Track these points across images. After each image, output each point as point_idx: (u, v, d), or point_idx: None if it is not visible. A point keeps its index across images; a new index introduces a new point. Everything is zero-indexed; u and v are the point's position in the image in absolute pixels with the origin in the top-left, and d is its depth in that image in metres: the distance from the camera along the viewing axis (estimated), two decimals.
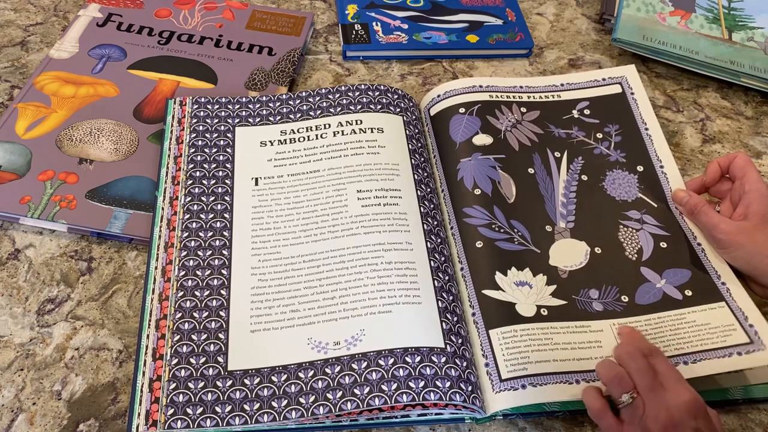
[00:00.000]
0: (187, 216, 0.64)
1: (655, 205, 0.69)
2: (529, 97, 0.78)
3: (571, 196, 0.70)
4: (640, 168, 0.72)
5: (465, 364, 0.56)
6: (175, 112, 0.73)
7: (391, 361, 0.55)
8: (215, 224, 0.64)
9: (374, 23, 0.88)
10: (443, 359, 0.55)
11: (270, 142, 0.71)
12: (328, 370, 0.55)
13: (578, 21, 0.95)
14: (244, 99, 0.75)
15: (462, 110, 0.75)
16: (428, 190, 0.68)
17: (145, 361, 0.56)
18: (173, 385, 0.54)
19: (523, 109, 0.76)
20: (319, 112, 0.73)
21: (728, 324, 0.60)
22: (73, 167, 0.69)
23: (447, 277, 0.62)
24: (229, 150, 0.70)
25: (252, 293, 0.60)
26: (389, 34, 0.87)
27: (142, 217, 0.65)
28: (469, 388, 0.54)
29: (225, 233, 0.64)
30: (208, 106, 0.73)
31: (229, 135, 0.71)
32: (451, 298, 0.60)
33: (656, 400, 0.50)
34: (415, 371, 0.54)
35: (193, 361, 0.55)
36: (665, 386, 0.51)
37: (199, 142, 0.70)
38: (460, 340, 0.57)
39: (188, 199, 0.66)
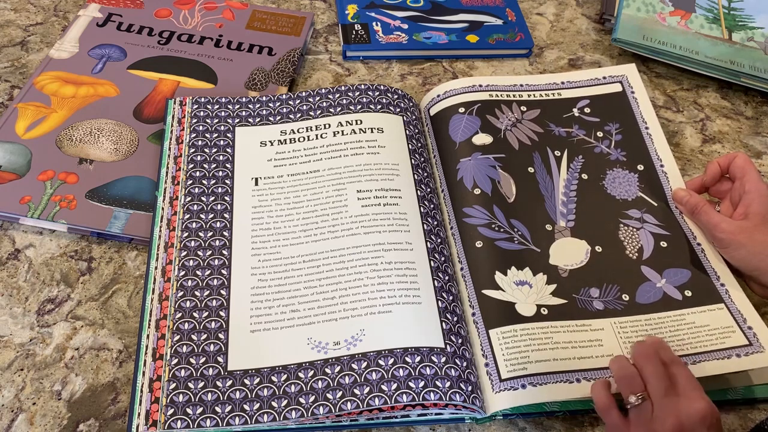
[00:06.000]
0: (187, 216, 0.64)
1: (656, 204, 0.69)
2: (529, 96, 0.78)
3: (572, 195, 0.70)
4: (640, 167, 0.72)
5: (465, 364, 0.56)
6: (175, 112, 0.73)
7: (391, 361, 0.55)
8: (215, 224, 0.64)
9: (374, 23, 0.88)
10: (443, 359, 0.55)
11: (270, 142, 0.71)
12: (328, 370, 0.55)
13: (578, 21, 0.95)
14: (244, 99, 0.75)
15: (462, 110, 0.75)
16: (428, 190, 0.68)
17: (145, 361, 0.56)
18: (173, 385, 0.54)
19: (523, 108, 0.76)
20: (319, 112, 0.73)
21: (727, 326, 0.60)
22: (73, 167, 0.69)
23: (447, 277, 0.62)
24: (229, 150, 0.70)
25: (252, 293, 0.60)
26: (389, 34, 0.87)
27: (142, 217, 0.65)
28: (469, 388, 0.54)
29: (225, 233, 0.63)
30: (208, 106, 0.73)
31: (229, 135, 0.71)
32: (451, 298, 0.60)
33: (667, 405, 0.49)
34: (415, 371, 0.54)
35: (193, 361, 0.55)
36: (680, 394, 0.50)
37: (199, 142, 0.70)
38: (460, 340, 0.57)
39: (188, 199, 0.66)
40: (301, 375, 0.55)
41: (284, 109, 0.74)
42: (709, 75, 0.86)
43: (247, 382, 0.54)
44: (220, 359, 0.56)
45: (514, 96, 0.77)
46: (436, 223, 0.66)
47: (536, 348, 0.57)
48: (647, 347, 0.54)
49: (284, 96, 0.75)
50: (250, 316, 0.58)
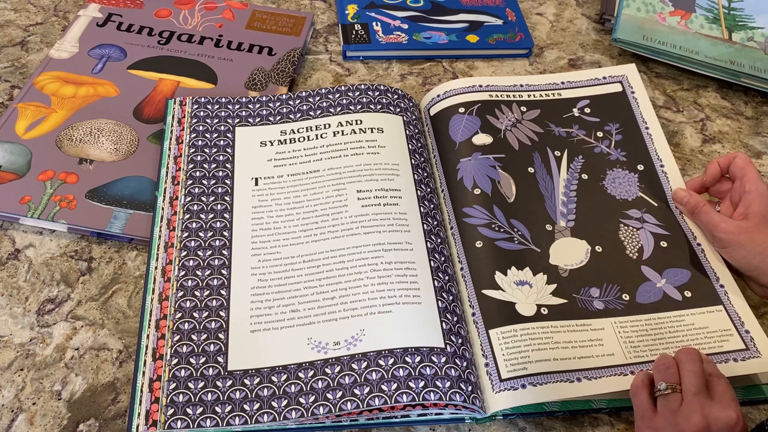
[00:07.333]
0: (187, 216, 0.64)
1: (656, 204, 0.69)
2: (529, 96, 0.78)
3: (572, 195, 0.70)
4: (640, 167, 0.72)
5: (465, 364, 0.56)
6: (175, 112, 0.73)
7: (391, 361, 0.55)
8: (215, 224, 0.64)
9: (374, 23, 0.88)
10: (443, 359, 0.55)
11: (270, 142, 0.71)
12: (328, 370, 0.55)
13: (578, 21, 0.95)
14: (244, 99, 0.75)
15: (462, 110, 0.75)
16: (428, 190, 0.68)
17: (145, 361, 0.56)
18: (173, 385, 0.54)
19: (523, 108, 0.76)
20: (319, 112, 0.73)
21: (725, 329, 0.60)
22: (73, 167, 0.69)
23: (447, 277, 0.62)
24: (229, 150, 0.70)
25: (252, 293, 0.60)
26: (389, 34, 0.87)
27: (142, 217, 0.65)
28: (469, 388, 0.54)
29: (225, 233, 0.63)
30: (208, 106, 0.73)
31: (229, 135, 0.71)
32: (451, 298, 0.60)
33: (696, 403, 0.49)
34: (415, 371, 0.54)
35: (193, 361, 0.55)
36: (715, 399, 0.50)
37: (199, 142, 0.70)
38: (460, 340, 0.57)
39: (188, 199, 0.66)
40: (301, 375, 0.55)
41: (284, 109, 0.74)
42: (709, 75, 0.86)
43: (247, 382, 0.54)
44: (220, 359, 0.56)
45: (514, 96, 0.77)
46: (436, 223, 0.66)
47: (536, 348, 0.57)
48: (693, 350, 0.54)
49: (284, 96, 0.75)
50: (250, 316, 0.58)
